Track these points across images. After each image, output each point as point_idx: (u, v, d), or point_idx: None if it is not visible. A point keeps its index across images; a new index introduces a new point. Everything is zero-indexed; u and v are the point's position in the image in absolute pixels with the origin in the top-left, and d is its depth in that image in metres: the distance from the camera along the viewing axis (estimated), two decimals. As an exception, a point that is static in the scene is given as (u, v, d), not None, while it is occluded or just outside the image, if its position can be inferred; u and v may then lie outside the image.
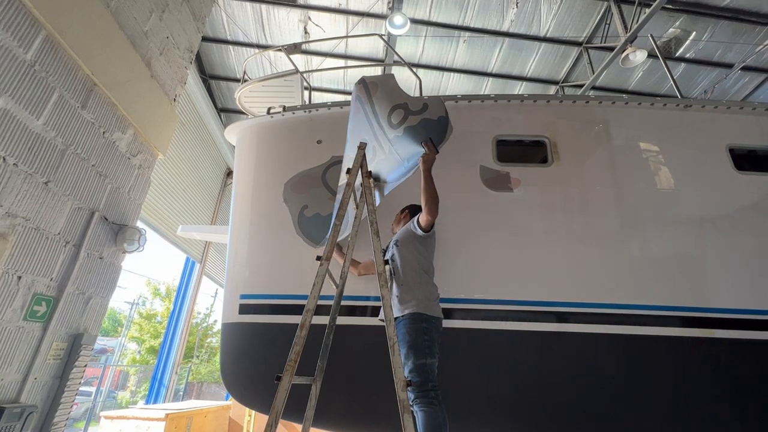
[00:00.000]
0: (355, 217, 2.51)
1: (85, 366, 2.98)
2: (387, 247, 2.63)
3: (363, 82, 2.77)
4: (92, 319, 3.12)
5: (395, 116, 2.63)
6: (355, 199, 2.64)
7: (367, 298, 2.82)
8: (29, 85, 2.41)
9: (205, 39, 7.36)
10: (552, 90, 8.32)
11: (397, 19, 6.26)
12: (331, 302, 2.46)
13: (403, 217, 2.78)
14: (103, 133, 3.09)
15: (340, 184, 2.95)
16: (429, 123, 2.59)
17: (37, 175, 2.51)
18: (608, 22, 6.75)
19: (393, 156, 2.71)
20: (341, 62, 7.84)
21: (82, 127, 2.86)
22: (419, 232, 2.42)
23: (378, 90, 2.74)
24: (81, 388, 3.11)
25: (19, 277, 2.44)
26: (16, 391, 2.47)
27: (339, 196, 2.75)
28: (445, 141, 2.66)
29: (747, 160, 3.14)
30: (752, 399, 2.58)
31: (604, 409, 2.62)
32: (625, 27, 6.15)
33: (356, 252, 2.87)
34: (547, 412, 2.63)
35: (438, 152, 2.54)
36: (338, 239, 2.64)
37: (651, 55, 6.52)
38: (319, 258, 2.10)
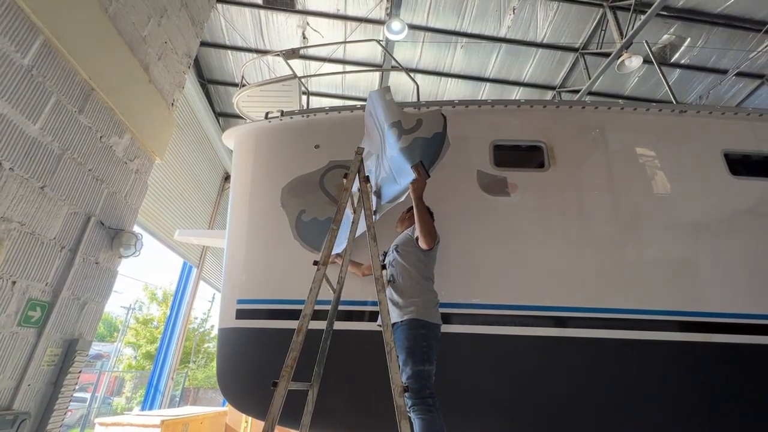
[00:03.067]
0: (353, 222, 2.51)
1: (80, 372, 2.95)
2: (388, 251, 2.62)
3: (371, 98, 2.69)
4: (87, 324, 3.09)
5: (391, 135, 2.58)
6: (352, 203, 2.63)
7: (365, 303, 2.81)
8: (26, 90, 2.41)
9: (203, 44, 7.39)
10: (549, 95, 8.38)
11: (395, 24, 6.30)
12: (328, 307, 2.45)
13: (408, 217, 2.70)
14: (100, 137, 3.08)
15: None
16: (422, 143, 2.44)
17: (33, 179, 2.50)
18: (604, 28, 6.82)
19: (390, 176, 2.61)
20: (339, 67, 7.88)
21: (79, 132, 2.86)
22: (421, 248, 2.38)
23: (378, 105, 2.69)
24: (76, 394, 3.07)
25: (14, 282, 2.42)
26: (9, 398, 2.44)
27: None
28: (440, 159, 2.51)
29: (742, 164, 3.17)
30: (752, 402, 2.58)
31: (604, 413, 2.61)
32: (621, 33, 6.22)
33: (357, 254, 2.88)
34: (546, 417, 2.62)
35: (429, 176, 2.40)
36: (337, 251, 2.63)
37: (646, 61, 6.59)
38: (316, 263, 2.09)
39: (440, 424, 1.91)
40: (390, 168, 2.58)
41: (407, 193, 2.43)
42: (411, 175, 2.40)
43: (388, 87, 2.82)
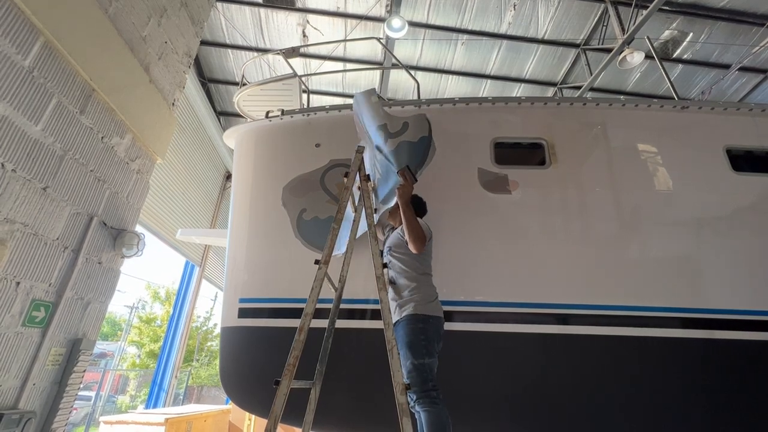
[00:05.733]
0: (354, 221, 2.51)
1: (84, 371, 2.98)
2: (381, 252, 2.62)
3: (356, 100, 2.70)
4: (91, 324, 3.11)
5: (378, 137, 2.57)
6: (353, 202, 2.64)
7: (366, 302, 2.81)
8: (28, 91, 2.42)
9: (203, 43, 7.39)
10: (550, 92, 8.34)
11: (396, 22, 6.28)
12: (330, 305, 2.46)
13: (396, 209, 2.66)
14: (102, 138, 3.09)
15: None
16: (408, 146, 2.44)
17: (36, 180, 2.51)
18: (605, 23, 6.77)
19: (383, 177, 2.61)
20: (340, 65, 7.87)
21: (81, 133, 2.87)
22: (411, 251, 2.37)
23: (363, 107, 2.69)
24: (80, 393, 3.10)
25: (18, 283, 2.44)
26: (14, 397, 2.46)
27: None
28: (427, 164, 2.50)
29: (744, 160, 3.15)
30: (752, 400, 2.58)
31: (605, 411, 2.61)
32: (623, 29, 6.17)
33: (358, 253, 2.88)
34: (548, 415, 2.63)
35: (416, 180, 2.38)
36: (338, 251, 2.63)
37: (648, 56, 6.54)
38: (317, 262, 2.10)
39: (446, 416, 1.93)
40: (381, 170, 2.59)
41: (396, 198, 2.44)
42: (397, 181, 2.41)
43: (374, 89, 2.82)
